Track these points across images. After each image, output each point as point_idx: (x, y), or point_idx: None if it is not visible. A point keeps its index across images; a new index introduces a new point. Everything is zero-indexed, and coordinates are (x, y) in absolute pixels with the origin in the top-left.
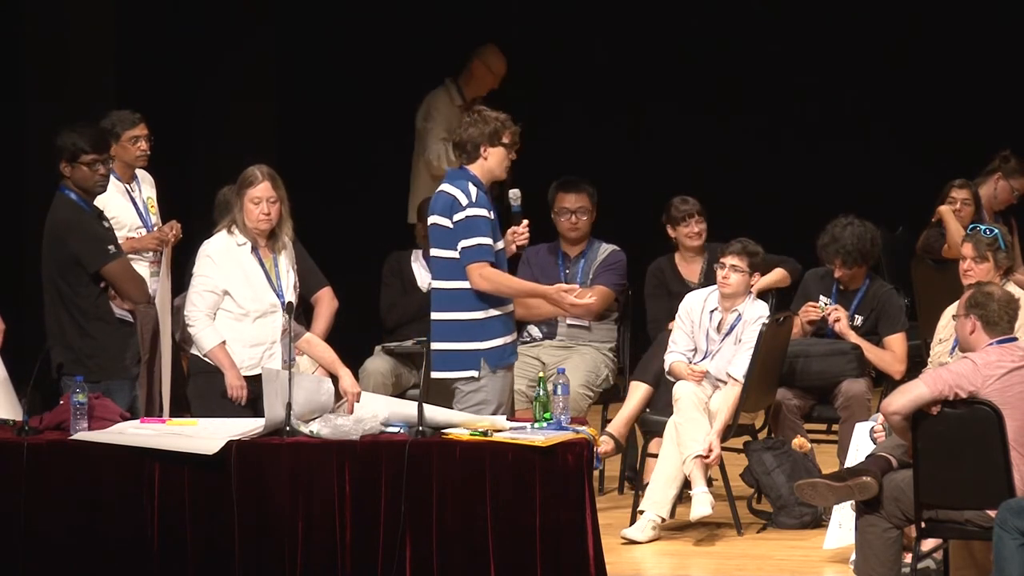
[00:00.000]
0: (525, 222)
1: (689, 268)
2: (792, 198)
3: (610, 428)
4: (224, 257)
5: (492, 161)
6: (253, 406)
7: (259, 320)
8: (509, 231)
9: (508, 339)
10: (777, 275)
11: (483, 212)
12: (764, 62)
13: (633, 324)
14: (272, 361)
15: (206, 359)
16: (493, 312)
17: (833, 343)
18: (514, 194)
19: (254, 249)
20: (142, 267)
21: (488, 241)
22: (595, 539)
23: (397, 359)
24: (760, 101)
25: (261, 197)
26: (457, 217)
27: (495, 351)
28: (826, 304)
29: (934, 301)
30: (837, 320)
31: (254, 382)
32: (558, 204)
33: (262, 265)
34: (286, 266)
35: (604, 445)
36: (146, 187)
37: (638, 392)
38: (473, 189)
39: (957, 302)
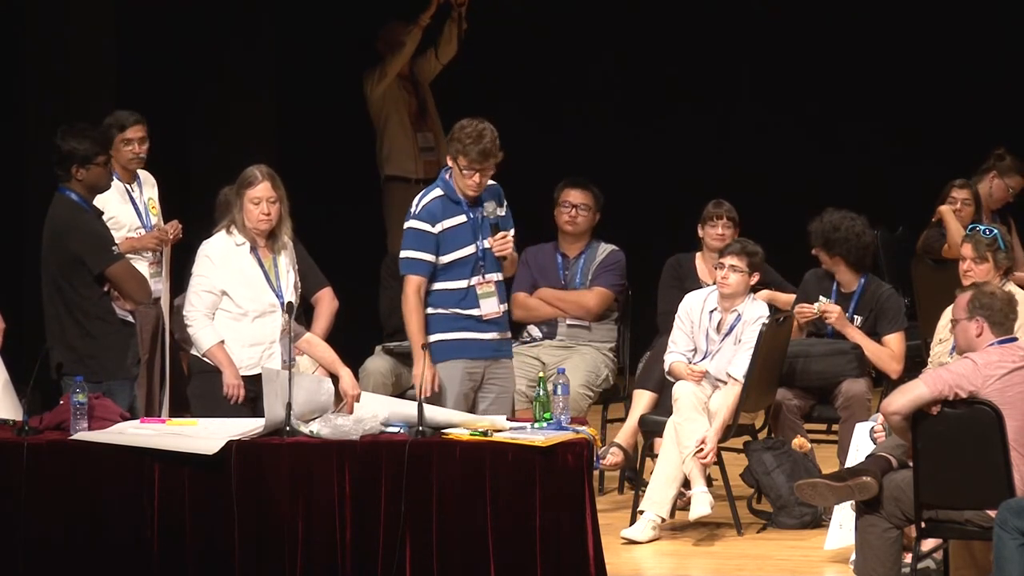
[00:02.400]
0: (500, 234)
1: (708, 268)
2: (792, 198)
3: (618, 439)
4: (223, 257)
5: (456, 176)
6: (253, 406)
7: (258, 320)
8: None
9: (455, 335)
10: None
11: (420, 225)
12: (764, 62)
13: (633, 324)
14: (271, 361)
15: (206, 359)
16: (435, 310)
17: (833, 343)
18: (489, 207)
19: (253, 249)
20: (141, 266)
21: (415, 254)
22: (595, 539)
23: (397, 359)
24: (760, 101)
25: (261, 197)
26: (405, 225)
27: (437, 345)
28: (821, 302)
29: (934, 301)
30: (828, 317)
31: (254, 382)
32: (561, 198)
33: (261, 265)
34: (286, 266)
35: (613, 457)
36: (147, 188)
37: (642, 400)
38: (429, 197)
39: (952, 306)
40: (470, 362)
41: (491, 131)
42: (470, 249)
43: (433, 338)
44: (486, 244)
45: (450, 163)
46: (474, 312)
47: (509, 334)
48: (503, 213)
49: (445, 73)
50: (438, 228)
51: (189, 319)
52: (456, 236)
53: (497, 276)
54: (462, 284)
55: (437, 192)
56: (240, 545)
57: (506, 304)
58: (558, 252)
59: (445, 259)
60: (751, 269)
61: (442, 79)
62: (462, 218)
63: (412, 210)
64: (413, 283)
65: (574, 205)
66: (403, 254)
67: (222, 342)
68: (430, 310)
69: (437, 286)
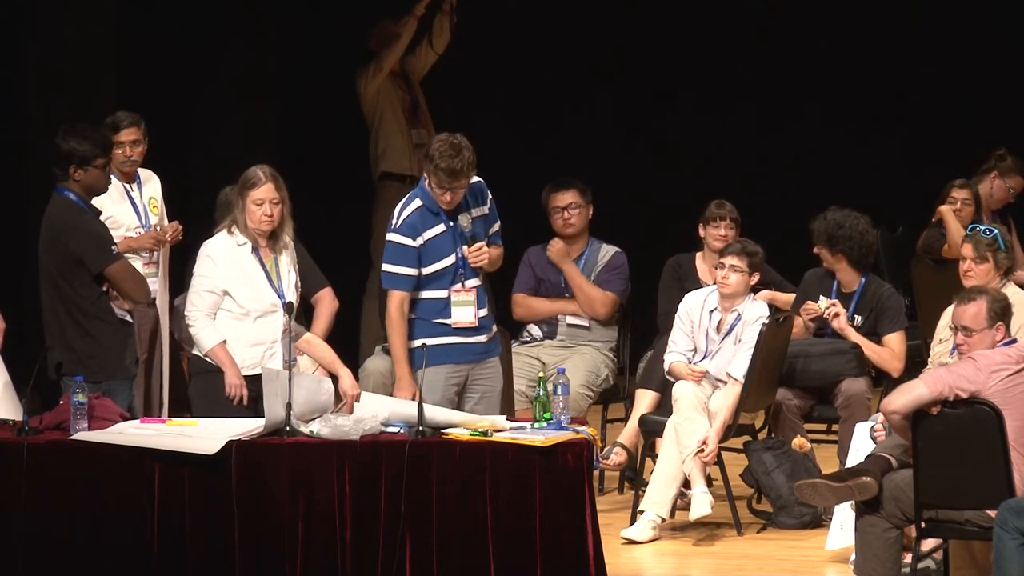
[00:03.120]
0: (476, 245)
1: (708, 269)
2: (792, 198)
3: (620, 438)
4: (224, 257)
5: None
6: (254, 406)
7: (260, 320)
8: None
9: (438, 340)
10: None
11: (402, 239)
12: (763, 61)
13: (633, 324)
14: (273, 361)
15: (207, 359)
16: (417, 317)
17: (833, 343)
18: (463, 220)
19: (255, 249)
20: (137, 266)
21: (397, 269)
22: (595, 539)
23: None
24: (759, 101)
25: (264, 199)
26: (387, 237)
27: (413, 351)
28: (825, 302)
29: (934, 301)
30: (836, 316)
31: (255, 382)
32: (551, 204)
33: (263, 265)
34: (287, 266)
35: (617, 456)
36: (148, 187)
37: (645, 400)
38: (410, 208)
39: (953, 313)
40: (453, 366)
41: (465, 149)
42: (450, 259)
43: (418, 343)
44: (465, 251)
45: (425, 175)
46: (435, 317)
47: (495, 331)
48: (486, 211)
49: (441, 70)
50: (419, 241)
51: (191, 319)
52: (437, 247)
53: (476, 281)
54: (442, 294)
55: (417, 203)
56: (240, 545)
57: (485, 310)
58: None
59: (427, 270)
60: (751, 269)
61: (438, 76)
62: (441, 227)
63: (393, 222)
64: (396, 299)
65: (564, 207)
66: (385, 268)
67: (224, 342)
68: (412, 316)
69: (420, 295)
